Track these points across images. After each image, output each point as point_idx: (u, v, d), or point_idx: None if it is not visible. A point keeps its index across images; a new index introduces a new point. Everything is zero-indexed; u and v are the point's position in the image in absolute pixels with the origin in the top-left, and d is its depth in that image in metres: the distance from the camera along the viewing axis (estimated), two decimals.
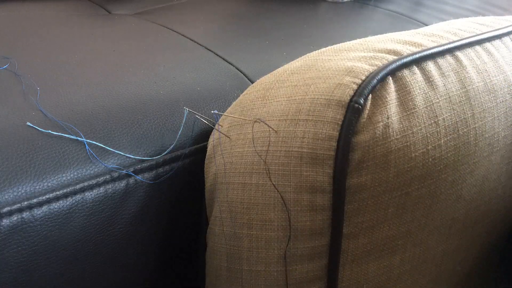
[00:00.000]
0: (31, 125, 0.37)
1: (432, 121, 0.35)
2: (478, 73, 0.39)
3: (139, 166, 0.39)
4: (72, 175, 0.36)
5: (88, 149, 0.37)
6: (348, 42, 0.40)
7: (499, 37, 0.43)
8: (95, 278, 0.40)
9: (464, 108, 0.38)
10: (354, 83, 0.33)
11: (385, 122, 0.33)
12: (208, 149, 0.40)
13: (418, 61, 0.37)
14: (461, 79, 0.38)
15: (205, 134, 0.42)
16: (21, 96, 0.42)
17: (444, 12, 0.81)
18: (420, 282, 0.41)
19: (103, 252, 0.39)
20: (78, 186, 0.36)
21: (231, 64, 0.52)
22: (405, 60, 0.36)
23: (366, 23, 0.75)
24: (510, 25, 0.45)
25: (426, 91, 0.36)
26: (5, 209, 0.33)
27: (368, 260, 0.36)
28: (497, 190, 0.43)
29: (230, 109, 0.40)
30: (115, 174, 0.38)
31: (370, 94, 0.33)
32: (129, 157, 0.39)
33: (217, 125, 0.39)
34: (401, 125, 0.34)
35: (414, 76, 0.36)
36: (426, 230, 0.38)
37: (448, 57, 0.39)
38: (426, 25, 0.74)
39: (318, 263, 0.35)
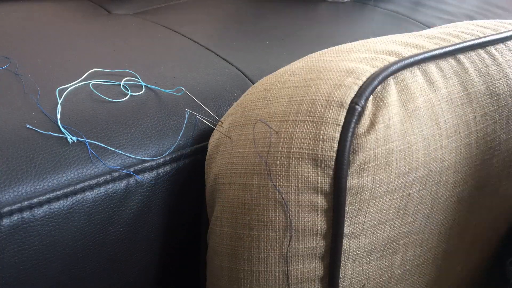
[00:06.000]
0: (31, 127, 0.37)
1: (434, 123, 0.36)
2: (480, 76, 0.39)
3: (139, 166, 0.39)
4: (72, 175, 0.36)
5: (89, 149, 0.37)
6: (349, 43, 0.40)
7: (502, 40, 0.43)
8: (95, 278, 0.40)
9: (466, 110, 0.38)
10: (355, 84, 0.33)
11: (386, 123, 0.33)
12: (209, 149, 0.40)
13: (420, 63, 0.37)
14: (463, 82, 0.38)
15: (206, 134, 0.42)
16: (22, 96, 0.41)
17: (444, 12, 0.81)
18: (420, 282, 0.41)
19: (103, 252, 0.39)
20: (78, 186, 0.36)
21: (232, 64, 0.52)
22: (406, 61, 0.36)
23: (366, 23, 0.75)
24: None
25: (428, 93, 0.36)
26: (6, 209, 0.33)
27: (370, 260, 0.36)
28: (498, 192, 0.43)
29: (231, 110, 0.40)
30: (116, 174, 0.38)
31: (371, 95, 0.33)
32: (130, 157, 0.39)
33: (218, 125, 0.40)
34: (403, 127, 0.34)
35: (415, 78, 0.36)
36: (427, 231, 0.38)
37: (450, 60, 0.39)
38: (426, 25, 0.74)
39: (319, 263, 0.35)
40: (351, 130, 0.32)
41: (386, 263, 0.37)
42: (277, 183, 0.33)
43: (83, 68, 0.45)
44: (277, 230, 0.34)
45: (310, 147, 0.33)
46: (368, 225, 0.35)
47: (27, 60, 0.49)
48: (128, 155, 0.39)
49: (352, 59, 0.36)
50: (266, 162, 0.34)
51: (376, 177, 0.33)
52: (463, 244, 0.43)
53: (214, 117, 0.42)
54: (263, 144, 0.34)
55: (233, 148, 0.37)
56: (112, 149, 0.38)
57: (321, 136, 0.32)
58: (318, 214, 0.34)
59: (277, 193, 0.33)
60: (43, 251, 0.35)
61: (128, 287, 0.42)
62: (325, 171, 0.33)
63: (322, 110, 0.33)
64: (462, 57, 0.39)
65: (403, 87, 0.35)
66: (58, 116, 0.39)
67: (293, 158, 0.33)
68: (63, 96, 0.41)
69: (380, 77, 0.34)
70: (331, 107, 0.33)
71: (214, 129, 0.40)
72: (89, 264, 0.39)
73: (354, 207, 0.34)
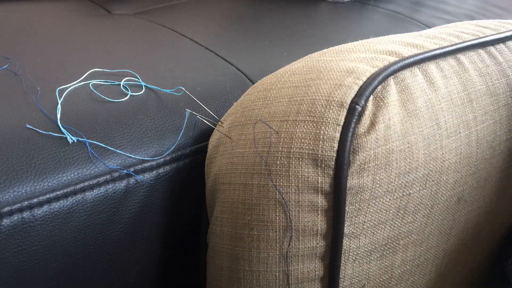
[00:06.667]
0: (31, 127, 0.37)
1: (434, 123, 0.36)
2: (480, 76, 0.39)
3: (139, 166, 0.39)
4: (72, 175, 0.36)
5: (89, 149, 0.37)
6: (349, 43, 0.40)
7: (502, 40, 0.43)
8: (95, 278, 0.40)
9: (466, 110, 0.38)
10: (356, 84, 0.33)
11: (386, 123, 0.33)
12: (209, 149, 0.40)
13: (420, 63, 0.37)
14: (463, 82, 0.38)
15: (206, 134, 0.42)
16: (22, 96, 0.41)
17: (444, 12, 0.81)
18: (420, 282, 0.41)
19: (103, 252, 0.39)
20: (78, 186, 0.36)
21: (232, 64, 0.52)
22: (406, 61, 0.36)
23: (366, 23, 0.75)
24: None
25: (428, 93, 0.36)
26: (6, 209, 0.33)
27: (370, 260, 0.36)
28: (498, 192, 0.44)
29: (231, 110, 0.40)
30: (116, 174, 0.38)
31: (372, 95, 0.33)
32: (130, 157, 0.39)
33: (218, 125, 0.40)
34: (403, 126, 0.34)
35: (415, 78, 0.36)
36: (427, 231, 0.38)
37: (450, 60, 0.39)
38: (426, 25, 0.74)
39: (320, 263, 0.35)
40: (351, 130, 0.32)
41: (386, 263, 0.37)
42: (277, 183, 0.33)
43: (83, 68, 0.45)
44: (277, 230, 0.34)
45: (310, 147, 0.33)
46: (368, 225, 0.35)
47: (27, 60, 0.49)
48: (128, 155, 0.39)
49: (352, 59, 0.36)
50: (266, 162, 0.34)
51: (376, 177, 0.33)
52: (463, 244, 0.43)
53: (214, 117, 0.42)
54: (263, 144, 0.34)
55: (233, 148, 0.37)
56: (112, 149, 0.38)
57: (321, 136, 0.32)
58: (318, 214, 0.34)
59: (277, 193, 0.33)
60: (43, 251, 0.35)
61: (128, 287, 0.42)
62: (325, 171, 0.33)
63: (322, 110, 0.33)
64: (462, 57, 0.39)
65: (403, 87, 0.35)
66: (58, 116, 0.39)
67: (293, 158, 0.33)
68: (63, 96, 0.41)
69: (380, 77, 0.34)
70: (331, 107, 0.33)
71: (214, 129, 0.40)
72: (89, 264, 0.39)
73: (354, 207, 0.34)
